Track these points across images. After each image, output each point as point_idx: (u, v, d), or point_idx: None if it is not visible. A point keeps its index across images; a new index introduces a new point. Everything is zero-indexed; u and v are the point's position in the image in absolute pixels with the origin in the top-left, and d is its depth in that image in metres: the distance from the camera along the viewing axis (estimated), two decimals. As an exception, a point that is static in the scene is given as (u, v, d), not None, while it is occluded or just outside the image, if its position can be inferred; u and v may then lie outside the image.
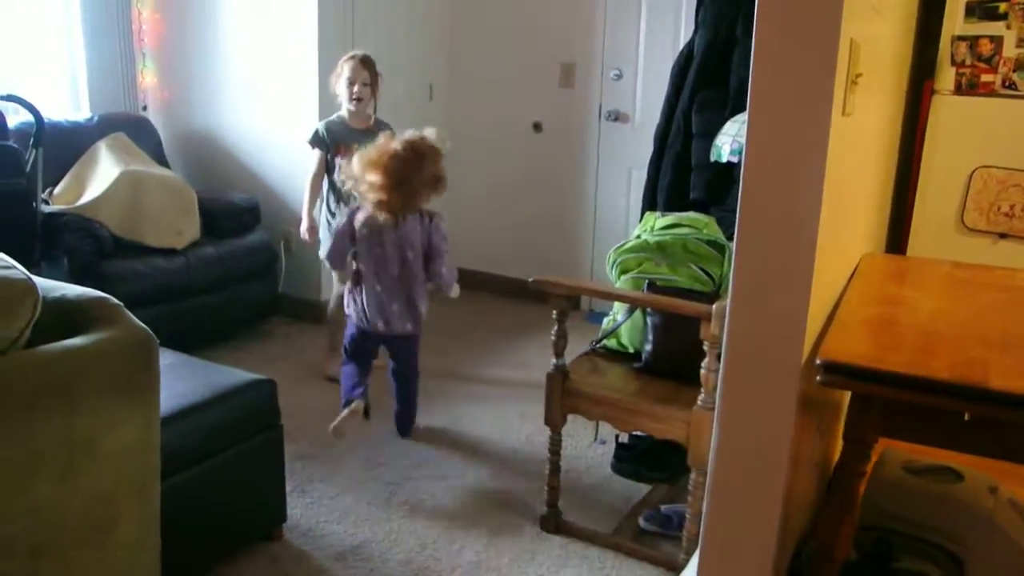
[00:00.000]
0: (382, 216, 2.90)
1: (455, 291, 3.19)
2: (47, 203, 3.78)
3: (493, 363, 3.96)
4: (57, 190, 3.84)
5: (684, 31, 4.22)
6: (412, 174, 2.88)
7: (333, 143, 3.47)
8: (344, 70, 3.44)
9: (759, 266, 1.59)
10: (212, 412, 2.21)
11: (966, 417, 1.55)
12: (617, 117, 4.53)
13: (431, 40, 4.82)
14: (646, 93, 4.42)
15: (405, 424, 3.23)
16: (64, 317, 1.66)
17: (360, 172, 2.87)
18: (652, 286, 2.52)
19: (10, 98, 3.42)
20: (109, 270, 3.52)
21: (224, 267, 3.90)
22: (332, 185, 3.50)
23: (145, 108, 4.65)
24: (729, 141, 2.74)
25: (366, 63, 3.46)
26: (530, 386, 3.66)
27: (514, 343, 4.23)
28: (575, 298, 4.76)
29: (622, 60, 4.47)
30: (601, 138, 4.60)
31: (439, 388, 3.62)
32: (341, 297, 3.58)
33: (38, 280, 1.67)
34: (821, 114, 1.47)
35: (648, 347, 2.52)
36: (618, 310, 2.74)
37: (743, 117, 2.88)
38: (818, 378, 1.54)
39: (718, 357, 2.21)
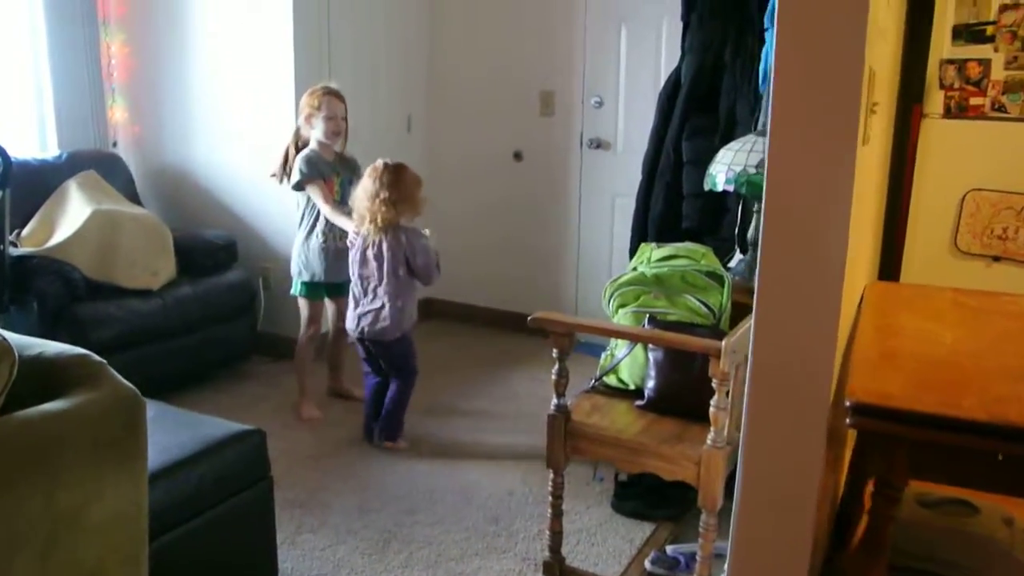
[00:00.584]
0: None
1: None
2: (15, 245, 3.64)
3: (481, 395, 3.87)
4: (25, 231, 3.70)
5: (665, 57, 4.20)
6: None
7: (319, 173, 3.40)
8: (322, 105, 3.37)
9: (784, 299, 1.53)
10: (200, 467, 2.10)
11: (1000, 457, 1.49)
12: (599, 145, 4.48)
13: (408, 70, 4.75)
14: (628, 120, 4.38)
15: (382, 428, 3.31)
16: (43, 378, 1.54)
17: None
18: (653, 321, 2.45)
19: (-25, 138, 3.29)
20: (82, 314, 3.38)
21: (202, 307, 3.78)
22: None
23: (115, 144, 4.52)
24: (724, 169, 2.69)
25: (341, 97, 3.44)
26: (520, 418, 3.58)
27: (501, 375, 4.14)
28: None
29: (602, 87, 4.43)
30: (583, 166, 4.55)
31: (427, 425, 3.51)
32: (310, 336, 3.55)
33: (12, 337, 1.55)
34: (847, 145, 1.41)
35: (651, 384, 2.43)
36: (617, 345, 2.66)
37: (737, 144, 2.84)
38: (848, 420, 1.47)
39: (727, 394, 2.15)
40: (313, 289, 3.52)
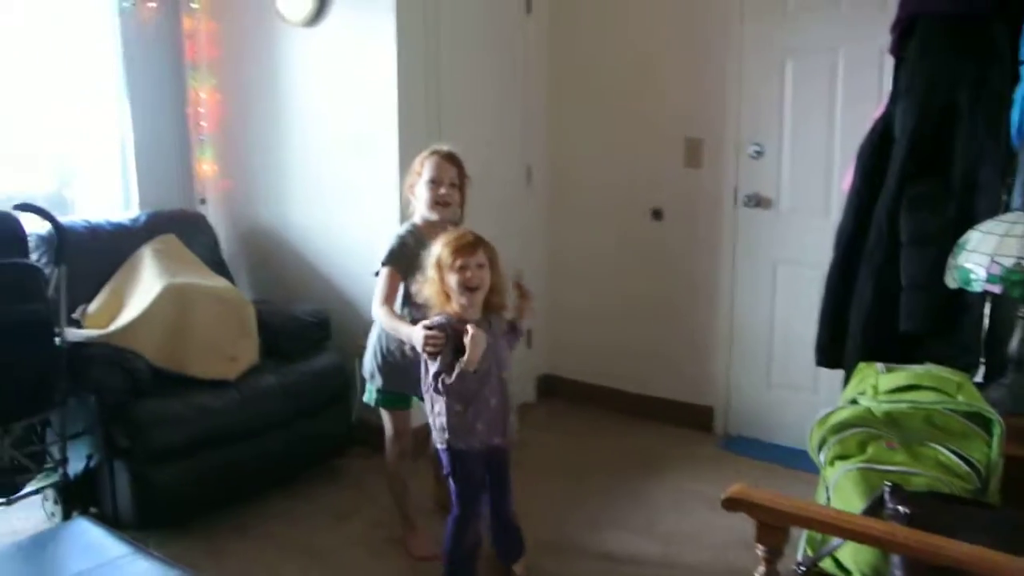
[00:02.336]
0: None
1: None
2: (79, 324, 3.16)
3: (614, 523, 3.10)
4: (92, 307, 3.22)
5: (841, 97, 3.44)
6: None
7: (408, 263, 2.61)
8: (425, 168, 2.65)
9: None
10: None
11: None
12: (758, 202, 3.71)
13: (527, 116, 4.11)
14: (795, 173, 3.61)
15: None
16: None
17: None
18: (897, 491, 1.68)
19: (25, 207, 2.81)
20: (143, 413, 2.85)
21: (287, 400, 3.19)
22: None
23: (204, 201, 4.04)
24: (985, 262, 1.90)
25: (452, 159, 2.67)
26: (673, 567, 2.80)
27: (637, 488, 3.37)
28: (708, 423, 3.93)
29: (763, 134, 3.67)
30: (738, 227, 3.78)
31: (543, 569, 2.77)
32: (399, 451, 2.84)
33: None
34: None
35: (896, 588, 1.66)
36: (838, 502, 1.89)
37: (998, 226, 2.04)
38: None
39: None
40: (392, 398, 2.81)
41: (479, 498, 2.51)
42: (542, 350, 4.37)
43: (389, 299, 2.60)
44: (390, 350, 2.70)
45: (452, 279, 2.33)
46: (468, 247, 2.33)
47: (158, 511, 2.89)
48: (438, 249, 2.36)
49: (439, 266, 2.35)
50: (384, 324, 2.64)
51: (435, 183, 2.62)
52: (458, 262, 2.32)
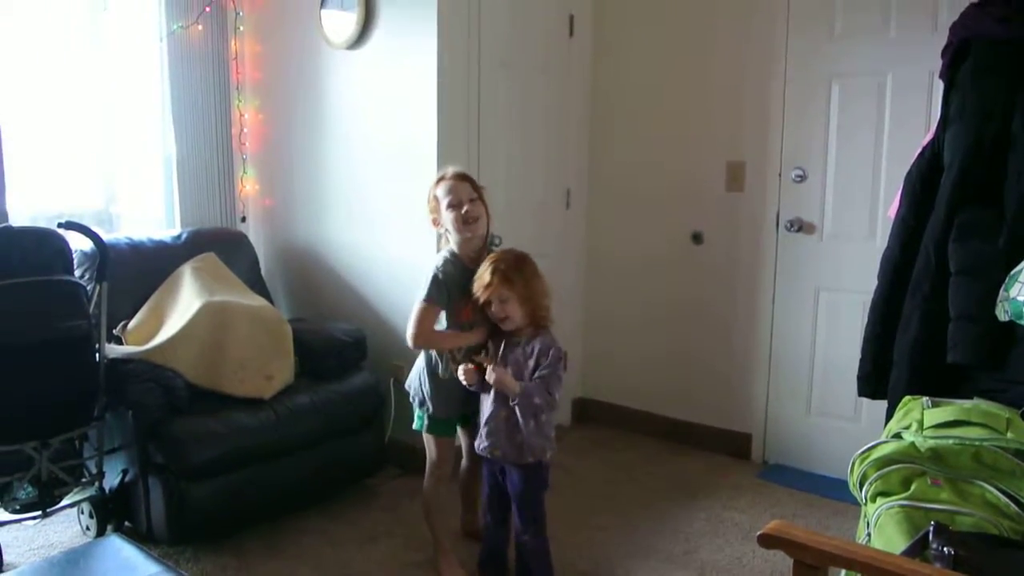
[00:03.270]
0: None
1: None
2: (120, 341, 3.20)
3: (647, 552, 3.02)
4: (132, 324, 3.26)
5: (888, 122, 3.37)
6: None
7: (448, 294, 2.63)
8: (441, 197, 2.63)
9: None
10: None
11: None
12: (800, 227, 3.64)
13: (567, 139, 4.10)
14: (839, 198, 3.54)
15: None
16: None
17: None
18: (942, 531, 1.61)
19: (69, 225, 2.85)
20: (180, 430, 2.85)
21: (321, 420, 3.18)
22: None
23: (244, 219, 4.09)
24: (1039, 295, 1.84)
25: (461, 176, 2.66)
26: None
27: (673, 516, 3.30)
28: (746, 450, 3.85)
29: (805, 158, 3.61)
30: (779, 252, 3.72)
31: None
32: (439, 477, 2.81)
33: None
34: None
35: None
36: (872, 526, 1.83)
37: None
38: None
39: None
40: (442, 425, 2.79)
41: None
42: (578, 374, 4.33)
43: (425, 329, 2.61)
44: (442, 375, 2.68)
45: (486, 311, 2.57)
46: (487, 288, 2.51)
47: (191, 527, 2.89)
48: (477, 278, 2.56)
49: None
50: (432, 343, 2.65)
51: (456, 205, 2.60)
52: (484, 296, 2.53)
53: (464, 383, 2.58)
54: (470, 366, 2.55)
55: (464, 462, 2.98)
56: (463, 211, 2.60)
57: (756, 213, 3.76)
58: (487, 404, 2.57)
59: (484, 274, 2.52)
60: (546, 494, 2.64)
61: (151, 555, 1.99)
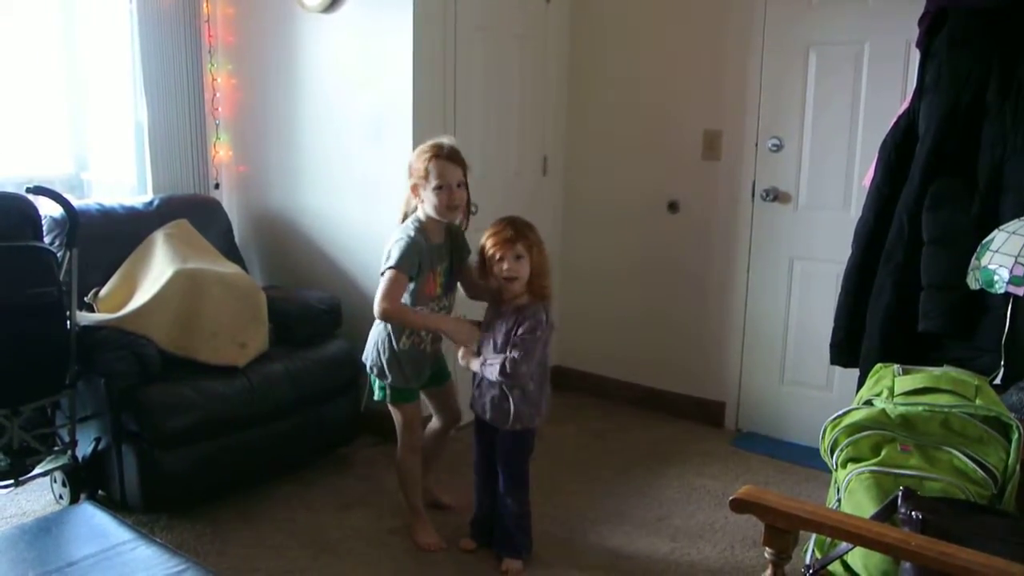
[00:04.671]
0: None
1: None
2: (92, 308, 3.16)
3: (620, 518, 3.05)
4: (104, 291, 3.22)
5: (865, 91, 3.37)
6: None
7: (418, 264, 2.60)
8: (431, 174, 2.54)
9: None
10: None
11: None
12: (775, 196, 3.65)
13: (544, 106, 4.07)
14: (814, 168, 3.55)
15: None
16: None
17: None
18: (910, 496, 1.64)
19: (38, 190, 2.80)
20: (152, 398, 2.83)
21: (295, 387, 3.17)
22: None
23: (218, 186, 4.03)
24: (1010, 264, 1.86)
25: (455, 157, 2.58)
26: (676, 564, 2.76)
27: (646, 483, 3.34)
28: (719, 418, 3.89)
29: (782, 127, 3.61)
30: (754, 221, 3.73)
31: (553, 565, 2.75)
32: (411, 446, 2.81)
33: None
34: None
35: (907, 595, 1.62)
36: (845, 480, 1.85)
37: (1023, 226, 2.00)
38: None
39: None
40: (406, 393, 2.76)
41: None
42: (554, 341, 4.33)
43: (394, 301, 2.55)
44: (400, 346, 2.67)
45: (495, 269, 2.54)
46: (506, 242, 2.50)
47: (165, 495, 2.89)
48: (484, 239, 2.55)
49: (484, 255, 2.55)
50: (404, 321, 2.61)
51: (444, 189, 2.55)
52: (498, 255, 2.51)
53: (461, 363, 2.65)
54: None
55: (433, 427, 2.98)
56: (452, 197, 2.56)
57: (732, 182, 3.76)
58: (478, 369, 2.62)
59: (504, 230, 2.51)
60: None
61: (123, 522, 1.98)
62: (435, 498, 3.04)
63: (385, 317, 2.58)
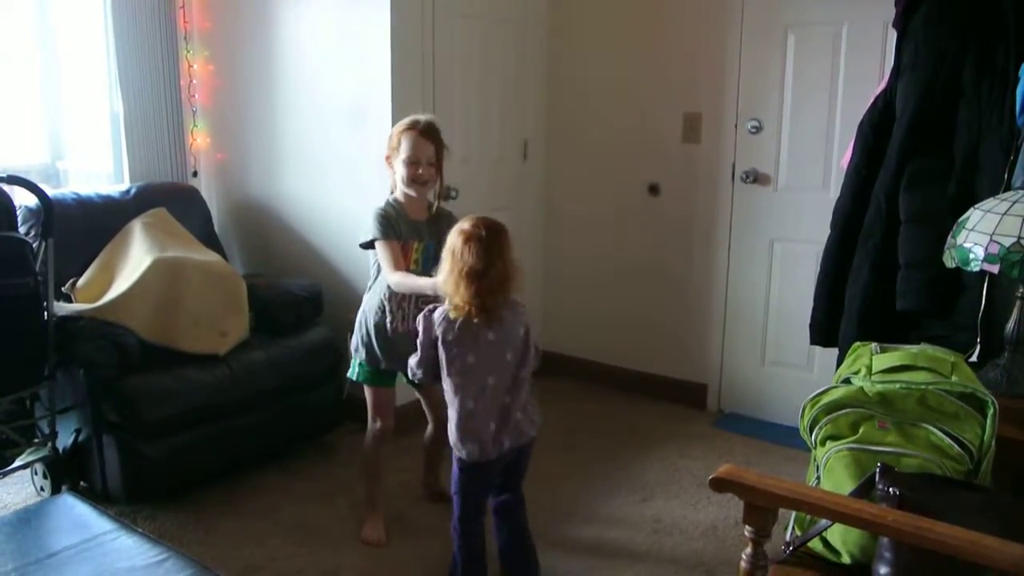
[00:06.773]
0: (475, 317, 2.21)
1: None
2: (69, 298, 3.13)
3: (603, 499, 3.08)
4: (82, 281, 3.19)
5: (843, 73, 3.39)
6: (495, 257, 2.20)
7: (399, 233, 2.62)
8: (402, 146, 2.57)
9: None
10: None
11: None
12: (755, 178, 3.67)
13: (524, 89, 4.06)
14: (794, 149, 3.56)
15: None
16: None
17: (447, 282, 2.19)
18: (888, 472, 1.65)
19: (12, 180, 2.77)
20: (132, 387, 2.82)
21: (277, 375, 3.17)
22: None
23: (196, 174, 4.00)
24: (983, 241, 1.87)
25: (429, 134, 2.58)
26: (659, 543, 2.77)
27: (629, 465, 3.36)
28: (702, 400, 3.91)
29: (761, 109, 3.62)
30: (735, 203, 3.75)
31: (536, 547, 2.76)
32: (377, 434, 2.77)
33: None
34: None
35: (885, 570, 1.64)
36: (822, 462, 1.86)
37: (999, 204, 2.00)
38: None
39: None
40: (376, 375, 2.75)
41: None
42: (536, 326, 4.33)
43: (399, 265, 2.55)
44: (375, 324, 2.66)
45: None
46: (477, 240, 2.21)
47: (147, 485, 2.88)
48: (454, 239, 2.24)
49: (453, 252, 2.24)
50: (407, 286, 2.55)
51: (412, 163, 2.56)
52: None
53: None
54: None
55: (430, 426, 2.97)
56: (417, 172, 2.58)
57: (712, 165, 3.77)
58: None
59: (474, 230, 2.25)
60: None
61: (104, 512, 1.97)
62: (439, 490, 3.01)
63: (398, 287, 2.57)
